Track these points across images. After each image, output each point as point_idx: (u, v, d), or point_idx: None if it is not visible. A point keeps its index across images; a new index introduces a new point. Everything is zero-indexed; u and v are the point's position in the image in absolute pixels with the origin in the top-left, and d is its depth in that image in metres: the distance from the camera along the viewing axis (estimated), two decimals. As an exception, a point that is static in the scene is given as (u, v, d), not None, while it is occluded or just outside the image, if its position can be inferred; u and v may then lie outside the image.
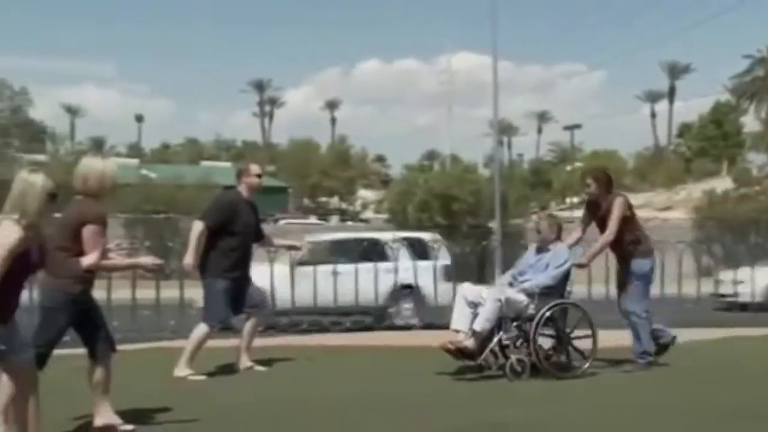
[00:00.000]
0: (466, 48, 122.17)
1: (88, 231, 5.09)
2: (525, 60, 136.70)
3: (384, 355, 8.82)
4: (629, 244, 7.60)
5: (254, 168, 7.83)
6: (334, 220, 54.53)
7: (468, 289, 7.47)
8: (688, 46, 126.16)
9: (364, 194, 67.37)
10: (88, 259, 5.03)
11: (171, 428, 5.51)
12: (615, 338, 8.02)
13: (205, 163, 54.18)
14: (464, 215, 27.88)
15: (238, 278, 7.48)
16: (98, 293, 5.65)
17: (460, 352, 7.11)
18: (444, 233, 23.10)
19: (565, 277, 7.51)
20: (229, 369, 7.65)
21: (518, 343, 7.23)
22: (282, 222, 38.08)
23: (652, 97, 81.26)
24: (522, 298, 7.27)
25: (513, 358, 7.11)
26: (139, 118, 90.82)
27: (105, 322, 5.46)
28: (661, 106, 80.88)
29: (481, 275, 16.86)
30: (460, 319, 7.28)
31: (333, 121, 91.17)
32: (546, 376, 7.06)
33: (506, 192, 28.93)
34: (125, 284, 11.20)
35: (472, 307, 7.22)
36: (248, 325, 7.71)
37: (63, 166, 26.25)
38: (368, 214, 60.93)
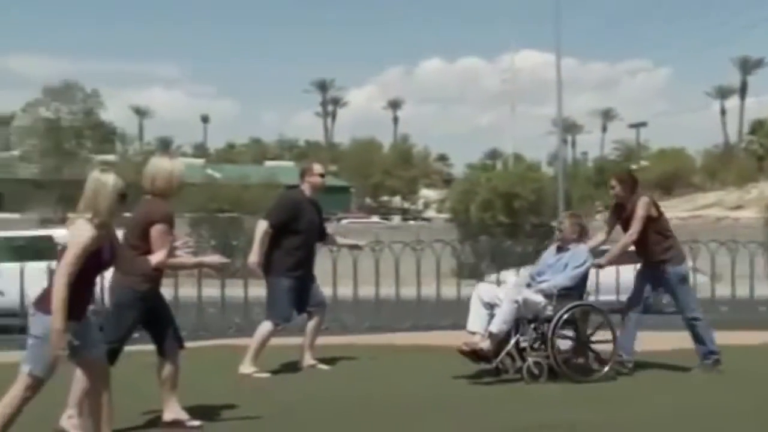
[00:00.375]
0: (529, 46, 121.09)
1: (156, 230, 5.19)
2: (589, 57, 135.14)
3: (448, 354, 8.78)
4: (658, 248, 7.40)
5: (317, 167, 7.88)
6: (396, 219, 54.60)
7: (484, 290, 7.27)
8: (760, 40, 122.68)
9: (427, 193, 67.31)
10: (156, 258, 5.14)
11: (236, 425, 5.59)
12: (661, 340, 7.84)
13: (268, 163, 54.80)
14: (527, 214, 27.62)
15: (301, 277, 7.54)
16: (165, 291, 5.77)
17: (475, 355, 6.93)
18: (507, 232, 22.97)
19: (585, 278, 7.33)
20: (292, 367, 7.72)
21: (536, 345, 7.05)
22: (345, 221, 38.30)
23: (723, 93, 79.41)
24: (539, 299, 7.05)
25: (530, 360, 6.92)
26: (205, 119, 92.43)
27: (173, 320, 5.57)
28: (732, 103, 78.99)
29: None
30: (475, 320, 7.06)
31: (395, 120, 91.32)
32: (564, 379, 6.87)
33: (570, 190, 28.60)
34: (191, 282, 11.40)
35: (488, 309, 7.03)
36: (311, 324, 7.77)
37: (132, 166, 26.87)
38: (430, 213, 60.86)
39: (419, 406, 6.21)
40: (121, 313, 5.33)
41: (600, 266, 7.58)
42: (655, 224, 7.44)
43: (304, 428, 5.60)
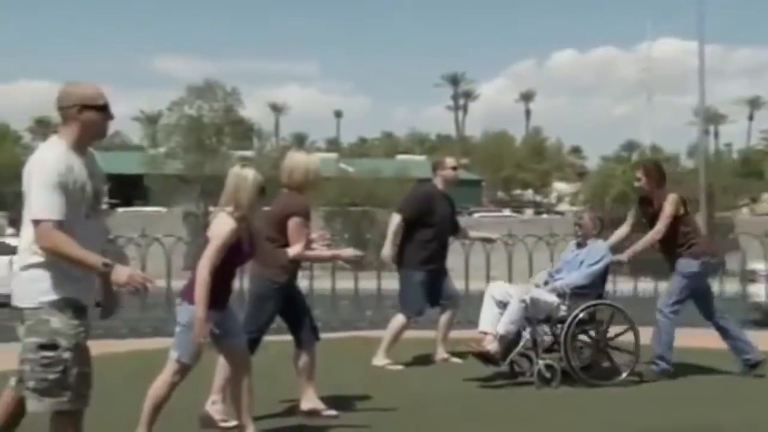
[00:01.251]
0: (668, 34, 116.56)
1: (293, 223, 5.33)
2: (735, 43, 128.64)
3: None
4: (681, 247, 6.94)
5: (450, 161, 7.88)
6: (529, 212, 53.87)
7: (496, 288, 6.89)
8: None
9: (559, 186, 66.06)
10: (293, 250, 5.27)
11: (370, 416, 5.66)
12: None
13: (400, 157, 55.24)
14: (666, 208, 26.64)
15: (434, 270, 7.56)
16: (301, 283, 5.92)
17: (482, 356, 6.58)
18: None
19: (603, 276, 6.92)
20: (425, 360, 7.76)
21: (549, 348, 6.67)
22: (476, 215, 38.11)
23: None
24: (551, 298, 6.68)
25: (541, 363, 6.54)
26: (338, 114, 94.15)
27: (309, 311, 5.71)
28: None
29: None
30: (487, 320, 6.68)
31: (527, 113, 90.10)
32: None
33: (712, 183, 27.34)
34: (325, 275, 11.65)
35: (501, 308, 6.65)
36: (444, 317, 7.78)
37: (268, 161, 27.71)
38: (563, 206, 59.72)
39: (551, 402, 6.11)
40: (260, 303, 5.50)
41: (620, 263, 7.17)
42: (683, 223, 6.98)
43: (437, 421, 5.61)
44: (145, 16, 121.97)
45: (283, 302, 5.50)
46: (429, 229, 7.53)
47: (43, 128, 66.76)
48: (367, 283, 11.49)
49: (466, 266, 11.16)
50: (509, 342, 6.56)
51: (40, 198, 3.60)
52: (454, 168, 7.87)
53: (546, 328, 6.72)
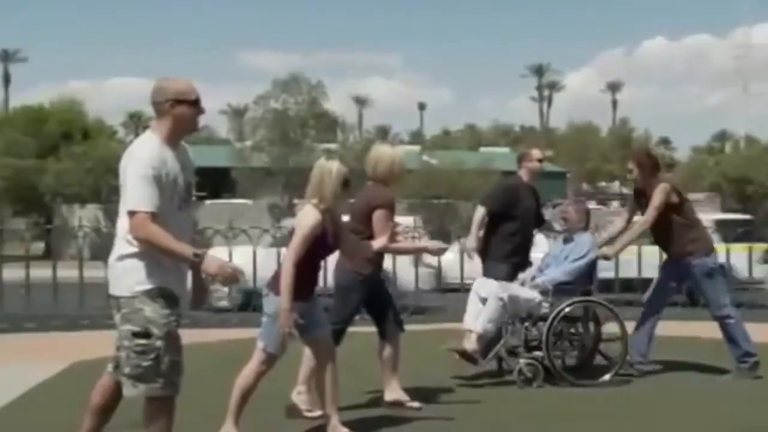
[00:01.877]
0: (766, 19, 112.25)
1: (377, 215, 5.36)
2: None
3: (670, 344, 8.41)
4: (682, 239, 6.62)
5: (535, 153, 7.77)
6: (615, 204, 52.79)
7: (480, 284, 6.60)
8: None
9: (647, 178, 64.45)
10: (378, 242, 5.30)
11: (454, 408, 5.66)
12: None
13: (483, 149, 54.83)
14: (762, 200, 25.73)
15: (518, 263, 7.48)
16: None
17: (461, 355, 6.31)
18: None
19: (589, 271, 6.59)
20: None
21: (531, 346, 6.42)
22: (560, 208, 37.50)
23: None
24: (532, 295, 6.45)
25: (522, 362, 6.33)
26: (422, 106, 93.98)
27: (393, 303, 5.73)
28: None
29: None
30: (471, 317, 6.45)
31: (614, 103, 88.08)
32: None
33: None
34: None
35: (485, 305, 6.42)
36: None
37: (352, 153, 27.91)
38: (652, 198, 58.28)
39: (646, 398, 5.99)
40: (344, 295, 5.54)
41: (607, 258, 6.84)
42: (677, 212, 6.66)
43: (520, 414, 5.56)
44: (232, 12, 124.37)
45: (367, 294, 5.53)
46: (513, 221, 7.45)
47: (135, 123, 69.00)
48: (530, 272, 11.40)
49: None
50: (489, 340, 6.35)
51: (135, 190, 3.71)
52: (540, 160, 7.75)
53: (529, 325, 6.48)
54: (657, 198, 6.62)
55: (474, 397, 5.96)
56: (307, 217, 4.67)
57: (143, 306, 3.73)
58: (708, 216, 15.20)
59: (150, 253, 3.74)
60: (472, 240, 7.53)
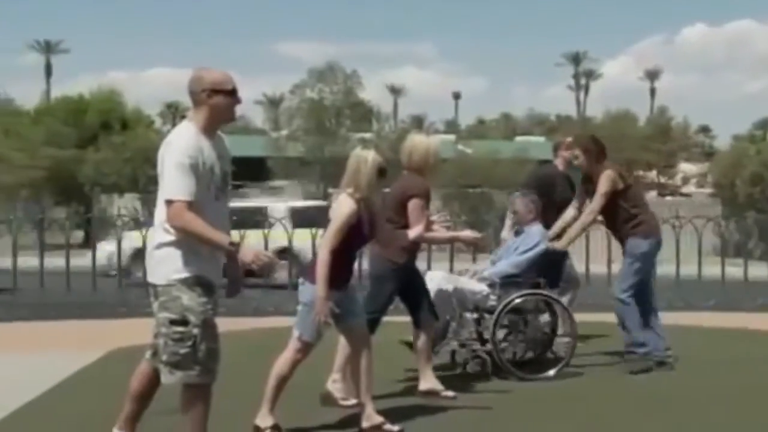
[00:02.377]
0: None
1: (412, 204, 5.36)
2: None
3: (712, 336, 8.33)
4: (628, 225, 6.49)
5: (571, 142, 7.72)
6: (652, 194, 52.20)
7: (429, 277, 6.30)
8: None
9: (686, 167, 63.63)
10: (413, 232, 5.30)
11: (486, 397, 5.66)
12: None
13: (519, 138, 54.48)
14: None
15: (555, 252, 7.44)
16: (419, 264, 5.94)
17: (410, 347, 6.01)
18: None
19: (538, 263, 6.40)
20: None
21: (478, 339, 6.28)
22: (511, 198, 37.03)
23: None
24: (479, 288, 6.29)
25: (469, 356, 6.24)
26: (456, 96, 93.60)
27: (428, 293, 5.73)
28: None
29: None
30: None
31: (652, 91, 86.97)
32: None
33: None
34: (444, 257, 11.66)
35: None
36: (563, 300, 7.63)
37: (387, 143, 27.90)
38: (690, 188, 57.56)
39: (701, 393, 5.92)
40: (379, 284, 5.55)
41: (557, 250, 6.63)
42: (624, 198, 6.52)
43: (555, 406, 5.54)
44: (269, 2, 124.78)
45: (402, 283, 5.54)
46: (549, 211, 7.41)
47: (172, 113, 69.61)
48: (486, 265, 11.41)
49: (587, 249, 10.93)
50: (436, 333, 6.08)
51: (172, 179, 3.76)
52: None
53: (479, 318, 6.32)
54: (603, 185, 6.52)
55: (508, 387, 5.94)
56: (342, 206, 4.68)
57: (180, 294, 3.78)
58: (284, 204, 15.18)
59: (187, 241, 3.78)
60: (507, 230, 7.51)
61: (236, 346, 6.40)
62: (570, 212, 6.96)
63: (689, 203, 28.36)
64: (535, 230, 6.60)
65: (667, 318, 9.58)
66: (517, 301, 6.28)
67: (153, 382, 4.02)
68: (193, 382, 3.80)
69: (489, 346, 6.21)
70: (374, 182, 4.72)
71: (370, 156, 4.76)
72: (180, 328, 3.77)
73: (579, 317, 8.10)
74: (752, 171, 25.87)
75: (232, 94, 3.92)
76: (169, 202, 3.76)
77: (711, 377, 6.44)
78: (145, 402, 4.10)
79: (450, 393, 5.55)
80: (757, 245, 18.39)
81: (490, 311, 6.27)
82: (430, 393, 5.55)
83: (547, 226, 7.40)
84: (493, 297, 6.32)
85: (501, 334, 6.26)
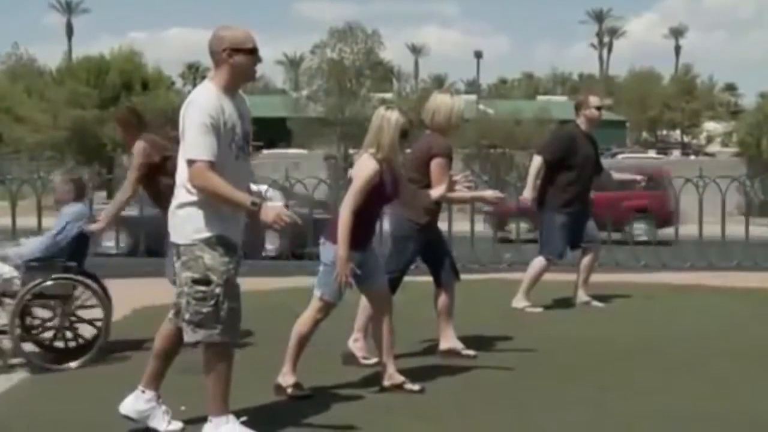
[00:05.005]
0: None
1: (435, 164, 5.33)
2: None
3: (731, 296, 8.29)
4: (163, 198, 5.39)
5: (593, 100, 7.63)
6: (676, 154, 51.68)
7: None
8: None
9: (710, 126, 62.85)
10: (436, 191, 5.27)
11: (509, 357, 5.67)
12: None
13: (541, 98, 54.04)
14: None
15: (576, 213, 7.41)
16: (440, 225, 5.94)
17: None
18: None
19: (69, 245, 5.72)
20: (566, 303, 7.68)
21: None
22: (620, 156, 36.92)
23: None
24: (4, 269, 5.64)
25: None
26: (478, 55, 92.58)
27: (449, 252, 5.73)
28: None
29: None
30: None
31: (677, 49, 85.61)
32: None
33: None
34: (464, 217, 11.65)
35: None
36: (585, 260, 7.64)
37: (408, 103, 27.77)
38: (714, 147, 56.90)
39: (697, 348, 5.92)
40: (401, 244, 5.55)
41: (93, 232, 5.89)
42: (162, 172, 5.79)
43: (575, 365, 5.55)
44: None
45: (423, 243, 5.54)
46: (571, 171, 7.37)
47: (193, 73, 69.48)
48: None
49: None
50: None
51: (194, 139, 3.76)
52: (599, 108, 7.61)
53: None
54: (135, 159, 5.96)
55: (530, 345, 5.96)
56: (365, 166, 4.66)
57: (202, 254, 3.80)
58: None
59: (209, 201, 3.79)
60: (528, 190, 7.49)
61: (257, 306, 6.46)
62: (120, 195, 6.20)
63: (714, 162, 28.08)
64: (68, 212, 5.84)
65: (690, 278, 9.61)
66: (45, 285, 5.60)
67: (176, 340, 4.06)
68: (216, 341, 3.83)
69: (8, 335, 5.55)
70: (397, 143, 4.70)
71: (394, 116, 4.72)
72: (202, 288, 3.79)
73: (599, 277, 8.11)
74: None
75: (252, 53, 3.89)
76: (190, 162, 3.77)
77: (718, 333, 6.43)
78: (169, 360, 4.15)
79: (471, 352, 5.58)
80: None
81: (14, 296, 5.60)
82: (451, 352, 5.58)
83: (570, 185, 7.37)
84: (17, 281, 5.65)
85: (19, 321, 5.59)
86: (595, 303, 7.62)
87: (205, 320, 3.80)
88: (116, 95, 30.44)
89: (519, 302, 7.45)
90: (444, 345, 5.62)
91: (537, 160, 7.48)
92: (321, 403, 4.54)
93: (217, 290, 3.80)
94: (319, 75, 33.13)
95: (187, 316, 3.85)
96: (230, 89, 3.89)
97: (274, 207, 3.79)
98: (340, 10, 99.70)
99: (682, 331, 6.61)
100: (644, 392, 4.85)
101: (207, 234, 3.80)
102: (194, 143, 3.75)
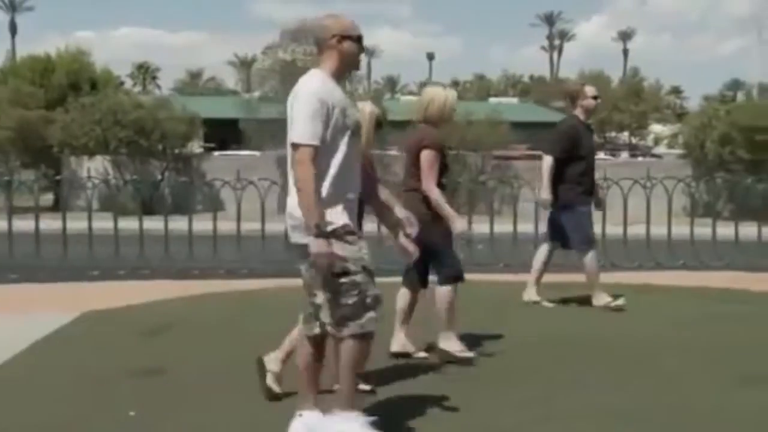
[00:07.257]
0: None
1: (425, 155, 5.36)
2: None
3: (677, 296, 8.44)
4: None
5: (590, 90, 7.60)
6: (624, 155, 52.49)
7: None
8: None
9: (657, 128, 64.00)
10: (426, 185, 5.29)
11: (513, 350, 5.69)
12: None
13: (492, 99, 54.43)
14: (772, 149, 25.44)
15: (590, 203, 7.46)
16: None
17: None
18: (748, 169, 21.39)
19: None
20: (514, 304, 7.70)
21: None
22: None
23: None
24: None
25: None
26: (431, 56, 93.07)
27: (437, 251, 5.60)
28: None
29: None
30: None
31: (625, 53, 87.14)
32: None
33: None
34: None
35: None
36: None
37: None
38: (661, 149, 57.99)
39: (645, 347, 6.02)
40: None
41: None
42: None
43: (578, 358, 5.61)
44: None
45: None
46: (580, 162, 7.33)
47: (142, 74, 68.44)
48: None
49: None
50: None
51: (300, 123, 3.69)
52: (595, 97, 7.58)
53: None
54: None
55: (479, 345, 5.99)
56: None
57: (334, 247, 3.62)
58: None
59: (326, 193, 3.66)
60: (546, 192, 7.36)
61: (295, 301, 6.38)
62: None
63: (660, 164, 28.59)
64: None
65: (637, 277, 9.75)
66: None
67: (322, 350, 3.91)
68: (368, 330, 3.73)
69: None
70: (372, 134, 4.69)
71: (368, 108, 4.74)
72: (343, 279, 3.68)
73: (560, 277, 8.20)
74: (722, 132, 26.03)
75: (359, 41, 3.91)
76: (295, 147, 3.68)
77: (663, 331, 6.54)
78: (321, 364, 3.97)
79: (469, 354, 5.55)
80: (726, 205, 18.59)
81: None
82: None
83: (582, 176, 7.31)
84: None
85: None
86: (545, 303, 7.68)
87: (353, 311, 3.68)
88: (63, 95, 29.83)
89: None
90: (443, 344, 5.55)
91: (548, 160, 7.33)
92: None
93: (358, 278, 3.70)
94: (272, 76, 32.90)
95: (332, 313, 3.70)
96: (338, 76, 3.88)
97: (324, 247, 3.54)
98: (293, 10, 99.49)
99: (632, 329, 6.69)
100: (591, 389, 4.90)
101: (333, 226, 3.65)
102: (299, 127, 3.68)
